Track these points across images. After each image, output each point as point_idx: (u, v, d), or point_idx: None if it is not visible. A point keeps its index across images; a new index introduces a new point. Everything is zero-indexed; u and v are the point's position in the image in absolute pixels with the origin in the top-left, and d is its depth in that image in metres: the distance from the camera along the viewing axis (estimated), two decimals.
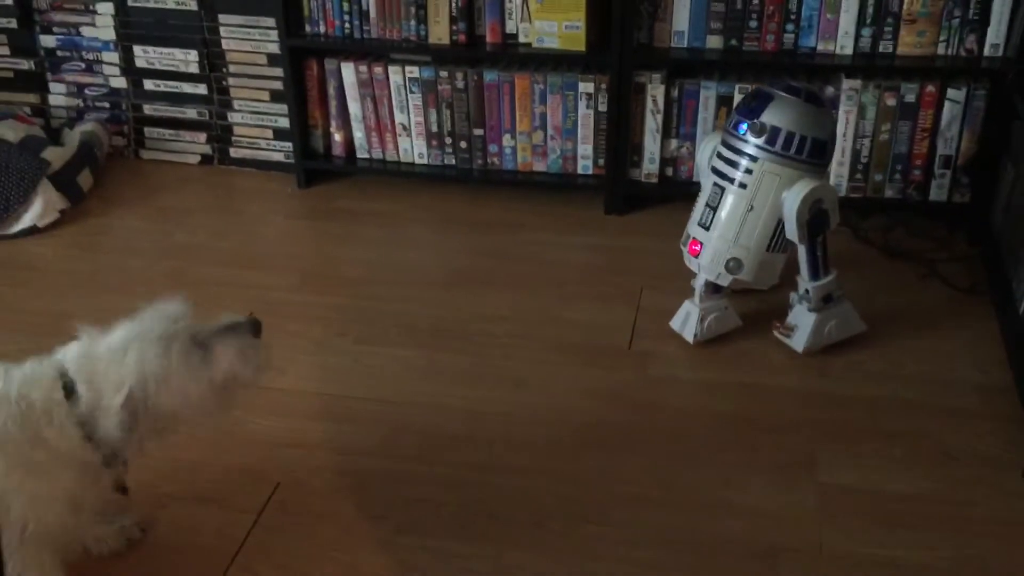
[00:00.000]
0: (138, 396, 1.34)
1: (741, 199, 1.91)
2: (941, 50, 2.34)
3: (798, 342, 2.01)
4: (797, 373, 2.00)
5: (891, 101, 2.36)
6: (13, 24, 2.84)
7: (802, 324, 2.01)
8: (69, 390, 1.35)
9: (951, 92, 2.33)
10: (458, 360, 2.06)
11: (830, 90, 1.94)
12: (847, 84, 2.36)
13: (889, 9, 2.31)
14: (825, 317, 2.00)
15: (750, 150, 1.89)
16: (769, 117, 1.86)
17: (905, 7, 2.30)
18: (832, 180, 2.47)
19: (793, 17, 2.36)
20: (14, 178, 2.52)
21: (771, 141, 1.86)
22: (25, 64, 2.93)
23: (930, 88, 2.34)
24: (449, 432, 1.85)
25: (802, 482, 1.72)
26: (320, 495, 1.71)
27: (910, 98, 2.35)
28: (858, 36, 2.35)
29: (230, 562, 1.58)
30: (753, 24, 2.38)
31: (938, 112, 2.36)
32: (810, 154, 1.86)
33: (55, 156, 2.63)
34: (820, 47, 2.38)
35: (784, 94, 1.87)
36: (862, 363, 2.02)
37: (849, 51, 2.36)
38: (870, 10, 2.31)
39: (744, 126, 1.89)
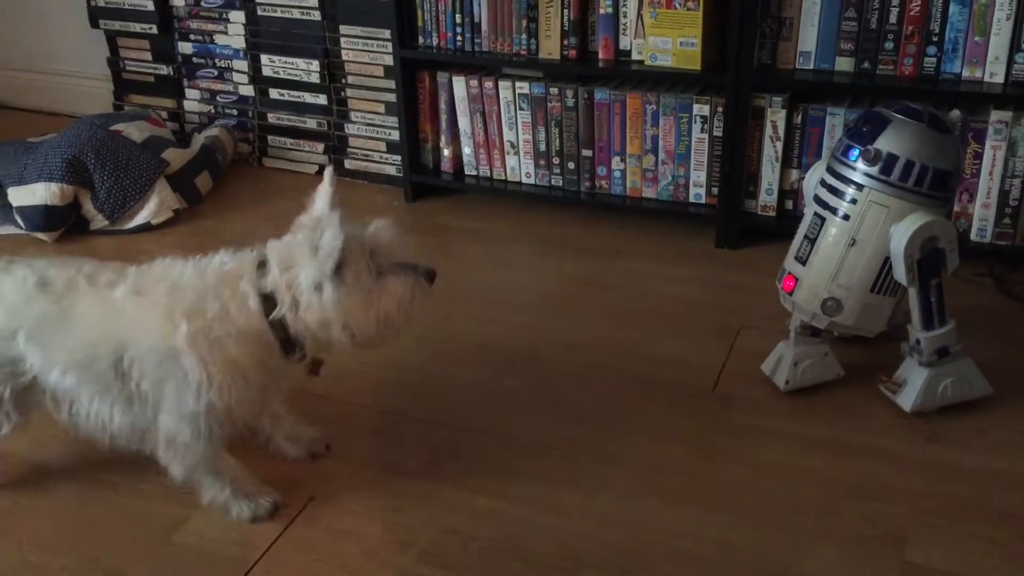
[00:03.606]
0: (317, 283, 1.44)
1: (843, 232, 1.70)
2: None
3: (906, 399, 1.77)
4: (901, 435, 1.75)
5: None
6: (154, 30, 2.97)
7: (912, 379, 1.77)
8: (262, 265, 1.49)
9: None
10: (524, 387, 1.93)
11: (955, 113, 1.70)
12: (996, 116, 2.09)
13: None
14: (940, 374, 1.75)
15: (856, 177, 1.68)
16: (885, 143, 1.65)
17: None
18: (975, 224, 2.20)
19: (935, 39, 2.12)
20: (132, 175, 2.60)
21: (886, 170, 1.64)
22: (164, 69, 3.05)
23: None
24: (497, 462, 1.72)
25: (885, 559, 1.49)
26: (351, 512, 1.62)
27: None
28: (1011, 62, 2.08)
29: (247, 571, 1.51)
30: (889, 45, 2.15)
31: None
32: (931, 186, 1.63)
33: (174, 157, 2.70)
34: (965, 73, 2.12)
35: (903, 117, 1.65)
36: (981, 431, 1.75)
37: (1000, 79, 2.10)
38: None
39: (855, 153, 1.68)
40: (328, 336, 1.50)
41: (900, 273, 1.67)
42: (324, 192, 1.51)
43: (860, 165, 1.67)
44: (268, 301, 1.48)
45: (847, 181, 1.69)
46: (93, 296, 1.52)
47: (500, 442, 1.77)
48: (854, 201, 1.68)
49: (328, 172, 1.54)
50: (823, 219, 1.73)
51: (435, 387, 1.95)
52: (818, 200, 1.75)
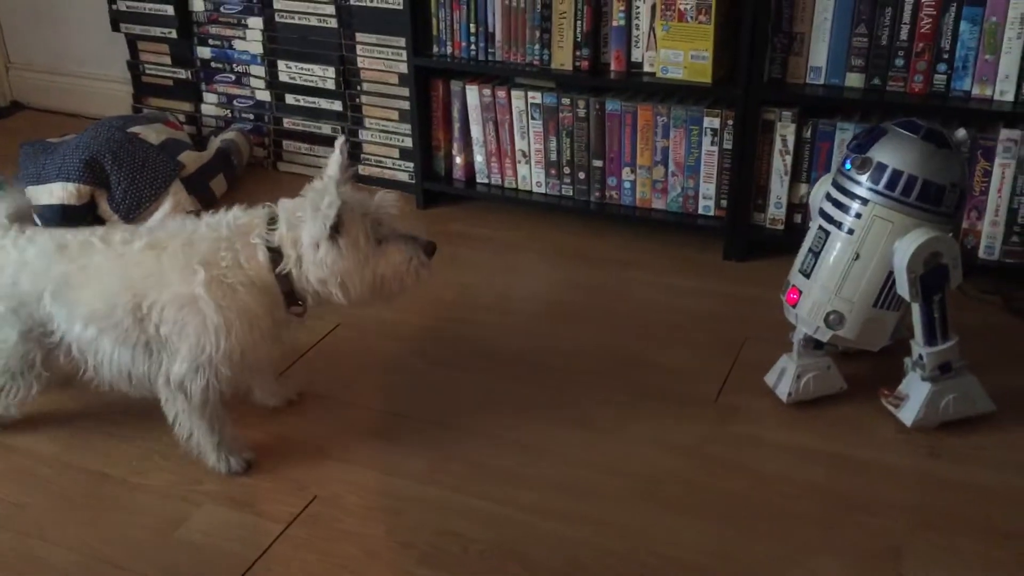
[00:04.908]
0: (315, 241, 1.55)
1: (847, 246, 1.71)
2: None
3: (907, 414, 1.77)
4: (902, 449, 1.75)
5: None
6: (173, 34, 3.00)
7: (914, 394, 1.77)
8: (272, 222, 1.61)
9: None
10: (527, 392, 1.95)
11: (961, 132, 1.71)
12: (1005, 135, 2.09)
13: None
14: (942, 389, 1.75)
15: (861, 192, 1.69)
16: (877, 153, 1.66)
17: None
18: (983, 242, 2.20)
19: (946, 56, 2.12)
20: (148, 177, 2.63)
21: (876, 179, 1.66)
22: (183, 73, 3.09)
23: None
24: (498, 466, 1.74)
25: (882, 573, 1.49)
26: (353, 513, 1.64)
27: None
28: (1021, 81, 2.08)
29: (246, 569, 1.53)
30: (899, 62, 2.16)
31: None
32: (920, 198, 1.64)
33: (190, 159, 2.73)
34: (976, 91, 2.13)
35: (899, 129, 1.67)
36: (983, 448, 1.75)
37: (1010, 97, 2.10)
38: None
39: (850, 161, 1.69)
40: (327, 292, 1.61)
41: (903, 288, 1.67)
42: (335, 160, 1.61)
43: (856, 175, 1.68)
44: (276, 255, 1.60)
45: (852, 195, 1.70)
46: (109, 252, 1.65)
47: (502, 446, 1.79)
48: (859, 215, 1.69)
49: (339, 142, 1.64)
50: (828, 233, 1.74)
51: (438, 390, 1.96)
52: (823, 214, 1.76)
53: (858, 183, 1.69)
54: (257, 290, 1.60)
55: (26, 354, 1.72)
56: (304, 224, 1.57)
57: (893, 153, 1.65)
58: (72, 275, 1.65)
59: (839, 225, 1.72)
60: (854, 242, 1.70)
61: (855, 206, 1.70)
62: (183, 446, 1.70)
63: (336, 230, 1.55)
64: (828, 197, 1.75)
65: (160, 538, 1.60)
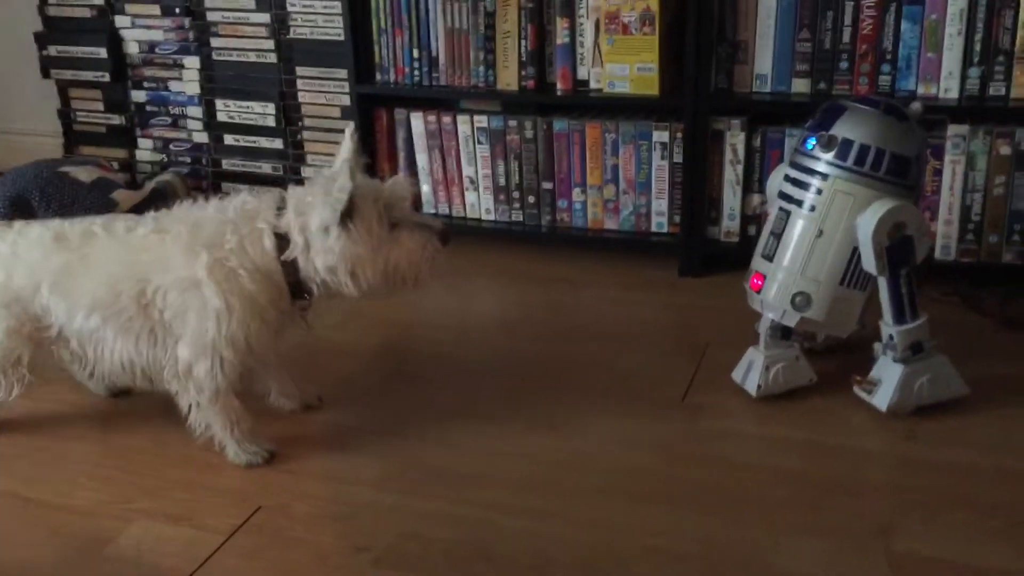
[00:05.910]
0: (325, 226, 1.49)
1: (810, 223, 1.66)
2: None
3: (882, 399, 1.70)
4: (879, 435, 1.68)
5: (1005, 149, 2.08)
6: (106, 78, 2.92)
7: (887, 378, 1.71)
8: (280, 208, 1.54)
9: None
10: (487, 400, 1.84)
11: (915, 105, 1.70)
12: (953, 130, 2.10)
13: (999, 47, 2.06)
14: (915, 371, 1.69)
15: (821, 168, 1.65)
16: (840, 129, 1.63)
17: (1018, 44, 2.05)
18: (939, 241, 2.19)
19: (889, 57, 2.14)
20: (79, 214, 2.50)
21: (842, 155, 1.62)
22: (116, 119, 3.00)
23: None
24: (458, 470, 1.62)
25: (871, 549, 1.40)
26: (302, 521, 1.51)
27: None
28: (964, 77, 2.10)
29: None
30: (844, 65, 2.17)
31: None
32: (889, 171, 1.61)
33: (124, 198, 2.62)
34: (921, 90, 2.14)
35: (859, 105, 1.64)
36: (960, 429, 1.69)
37: (954, 94, 2.12)
38: (977, 48, 2.07)
39: (812, 141, 1.66)
40: (336, 282, 1.54)
41: (869, 262, 1.63)
42: (346, 146, 1.56)
43: (820, 153, 1.65)
44: (282, 241, 1.53)
45: (811, 172, 1.67)
46: (112, 240, 1.60)
47: (461, 452, 1.68)
48: (819, 191, 1.65)
49: (350, 129, 1.59)
50: (788, 213, 1.70)
51: (392, 403, 1.85)
52: (783, 195, 1.72)
53: (817, 159, 1.66)
54: (261, 276, 1.54)
55: (11, 352, 1.62)
56: (314, 209, 1.50)
57: (857, 128, 1.62)
58: (73, 265, 1.59)
59: (800, 203, 1.68)
60: (816, 219, 1.66)
61: (815, 182, 1.66)
62: (199, 438, 1.63)
63: (348, 215, 1.47)
64: (787, 178, 1.72)
65: (88, 556, 1.44)
